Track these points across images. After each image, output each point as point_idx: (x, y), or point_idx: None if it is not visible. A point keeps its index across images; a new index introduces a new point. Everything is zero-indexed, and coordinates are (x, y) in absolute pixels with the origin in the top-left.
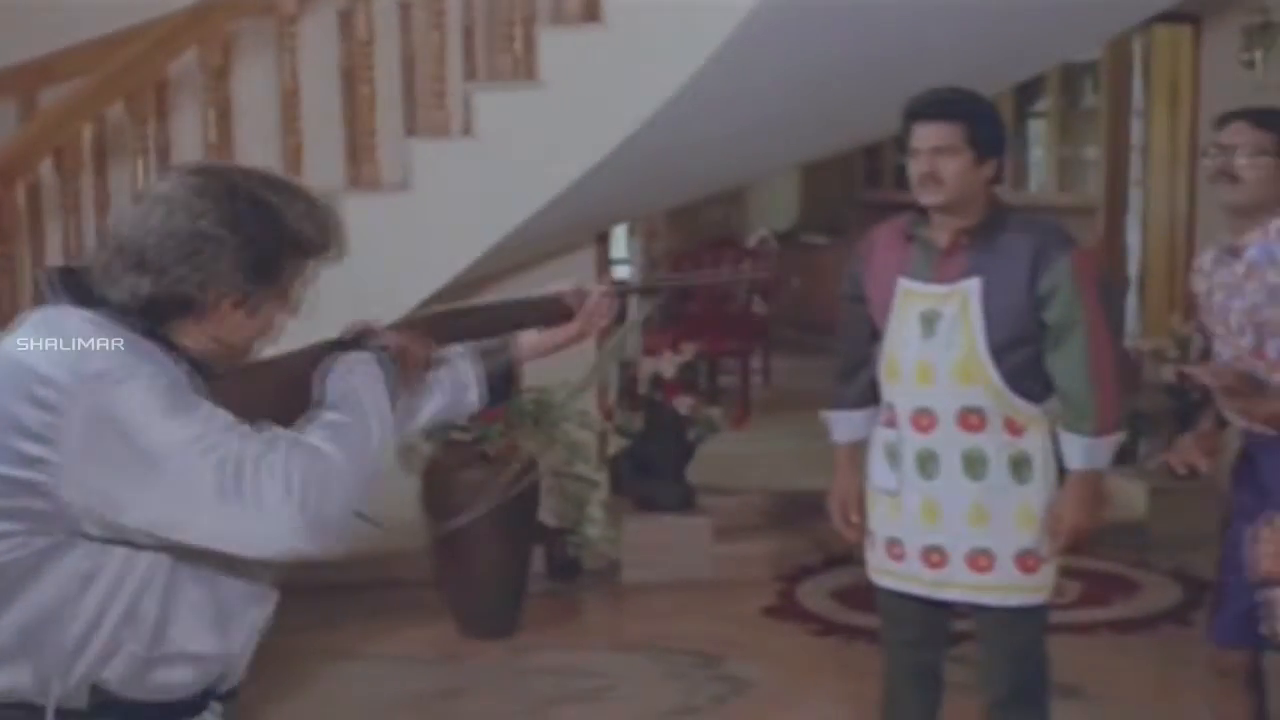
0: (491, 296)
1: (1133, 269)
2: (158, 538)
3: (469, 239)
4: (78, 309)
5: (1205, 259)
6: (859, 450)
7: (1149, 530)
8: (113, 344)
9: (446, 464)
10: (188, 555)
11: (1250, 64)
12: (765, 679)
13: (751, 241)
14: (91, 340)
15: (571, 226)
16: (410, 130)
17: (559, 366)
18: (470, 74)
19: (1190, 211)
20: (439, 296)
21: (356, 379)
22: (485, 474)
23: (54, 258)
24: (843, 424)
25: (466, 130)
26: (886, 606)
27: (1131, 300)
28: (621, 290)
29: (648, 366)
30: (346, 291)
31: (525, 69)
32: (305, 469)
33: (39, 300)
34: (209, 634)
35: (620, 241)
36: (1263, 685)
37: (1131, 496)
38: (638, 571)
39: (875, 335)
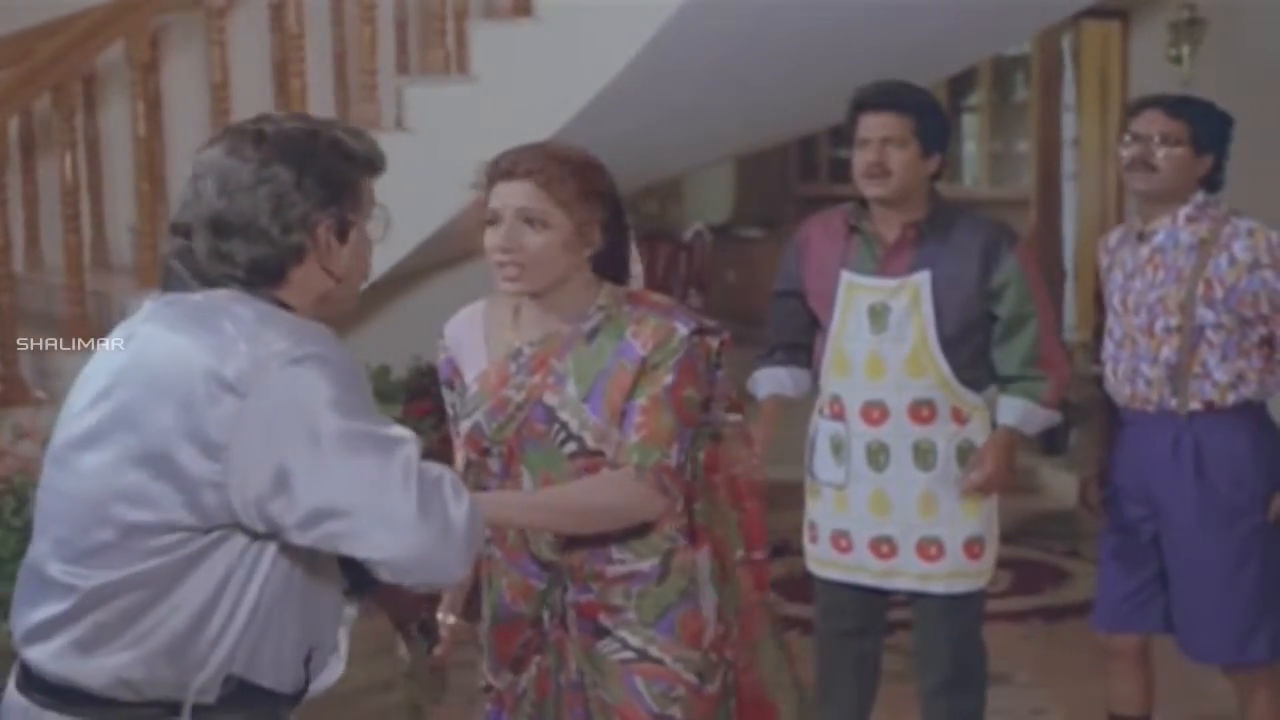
0: (425, 292)
1: (1067, 262)
2: (317, 536)
3: (401, 233)
4: (226, 293)
5: (1112, 237)
6: (781, 405)
7: (1079, 520)
8: (283, 324)
9: None
10: (302, 555)
11: (1177, 59)
12: None
13: (687, 235)
14: (261, 324)
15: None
16: None
17: None
18: (402, 68)
19: (1120, 204)
20: (372, 290)
21: None
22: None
23: None
24: (765, 379)
25: (398, 124)
26: (826, 598)
27: (1069, 291)
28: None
29: None
30: None
31: (457, 63)
32: (470, 499)
33: (167, 287)
34: (319, 627)
35: None
36: (1151, 665)
37: (1062, 486)
38: None
39: (815, 326)
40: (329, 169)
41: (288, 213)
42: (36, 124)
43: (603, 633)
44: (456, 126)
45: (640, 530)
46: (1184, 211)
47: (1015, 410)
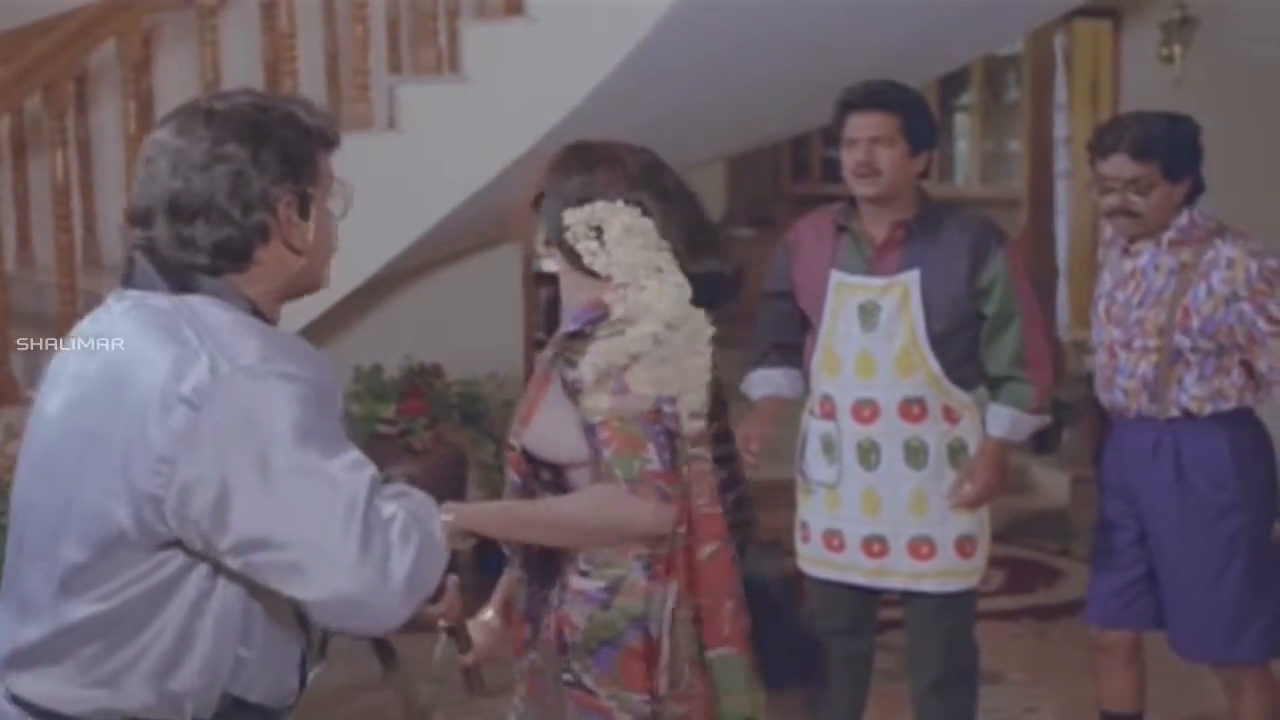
0: (416, 292)
1: (1060, 261)
2: (249, 563)
3: (393, 233)
4: (198, 298)
5: (1108, 230)
6: (778, 404)
7: (1071, 519)
8: (253, 336)
9: (371, 459)
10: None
11: (1169, 59)
12: None
13: None
14: (231, 334)
15: (498, 221)
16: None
17: (484, 358)
18: (394, 67)
19: None
20: (364, 290)
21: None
22: (415, 469)
23: None
24: (760, 380)
25: (390, 123)
26: (819, 597)
27: (1062, 291)
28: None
29: None
30: None
31: (449, 62)
32: (421, 544)
33: (130, 284)
34: (305, 630)
35: None
36: (1143, 662)
37: (1054, 485)
38: None
39: (805, 326)
40: (285, 143)
41: (246, 190)
42: (28, 123)
43: (564, 648)
44: (449, 126)
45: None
46: (1167, 236)
47: (1004, 420)
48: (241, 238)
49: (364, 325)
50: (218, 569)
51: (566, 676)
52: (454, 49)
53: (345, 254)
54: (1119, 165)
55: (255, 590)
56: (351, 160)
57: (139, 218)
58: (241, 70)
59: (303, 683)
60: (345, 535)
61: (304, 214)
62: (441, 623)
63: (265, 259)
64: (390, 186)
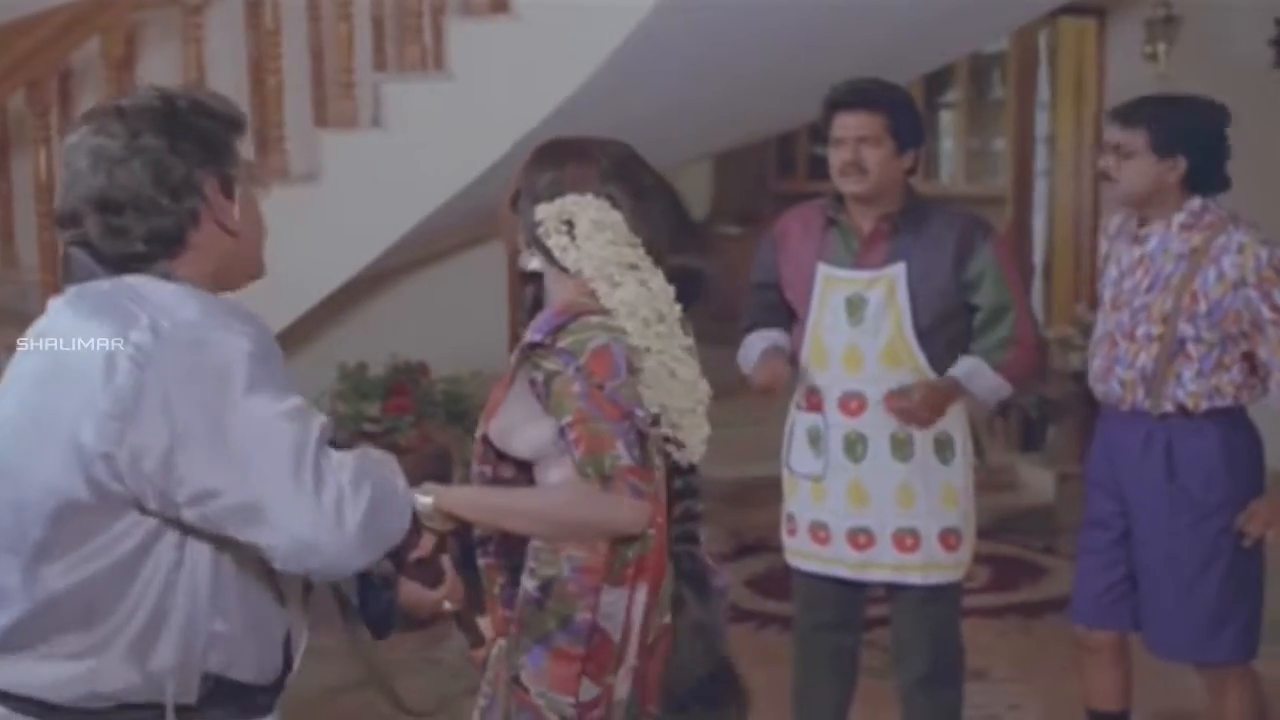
0: (402, 289)
1: (1038, 258)
2: (206, 514)
3: (378, 230)
4: (135, 278)
5: (1112, 223)
6: (781, 355)
7: (1057, 516)
8: (194, 300)
9: None
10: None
11: (1153, 56)
12: None
13: None
14: (174, 299)
15: (483, 218)
16: (319, 121)
17: (470, 356)
18: (379, 65)
19: (1094, 202)
20: (349, 287)
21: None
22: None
23: None
24: (755, 339)
25: (375, 121)
26: (806, 591)
27: (1037, 289)
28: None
29: None
30: (255, 282)
31: (434, 60)
32: (376, 490)
33: (70, 279)
34: (276, 609)
35: None
36: (1129, 660)
37: (1039, 482)
38: None
39: (791, 318)
40: (200, 129)
41: (170, 178)
42: (11, 121)
43: (517, 643)
44: (434, 124)
45: (555, 546)
46: (1178, 219)
47: (965, 365)
48: (174, 224)
49: (349, 323)
50: (184, 537)
51: (511, 672)
52: (439, 46)
53: (330, 252)
54: (1109, 131)
55: (222, 560)
56: (337, 157)
57: (67, 219)
58: (226, 68)
59: (289, 662)
60: (298, 479)
61: (228, 195)
62: (448, 605)
63: (199, 242)
64: (375, 184)
